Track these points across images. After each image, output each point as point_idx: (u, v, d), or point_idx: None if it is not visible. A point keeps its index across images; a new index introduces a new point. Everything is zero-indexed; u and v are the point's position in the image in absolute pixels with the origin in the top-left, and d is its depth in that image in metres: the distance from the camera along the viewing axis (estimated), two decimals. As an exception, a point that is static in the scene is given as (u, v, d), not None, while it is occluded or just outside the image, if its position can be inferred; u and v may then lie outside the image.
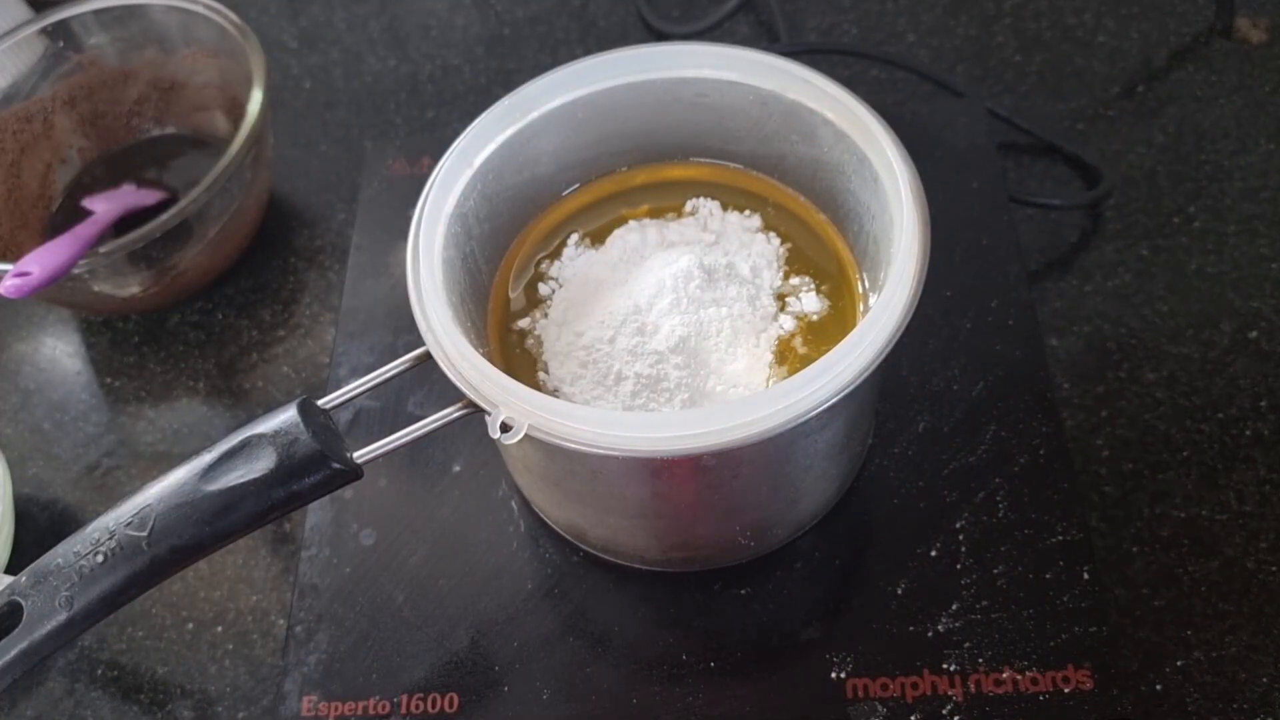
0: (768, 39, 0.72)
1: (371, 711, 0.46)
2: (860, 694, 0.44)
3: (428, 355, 0.38)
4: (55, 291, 0.56)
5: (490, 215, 0.47)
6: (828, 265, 0.48)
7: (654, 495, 0.42)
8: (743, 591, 0.47)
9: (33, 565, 0.35)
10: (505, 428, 0.35)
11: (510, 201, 0.48)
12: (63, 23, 0.66)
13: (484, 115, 0.45)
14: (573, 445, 0.35)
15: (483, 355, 0.37)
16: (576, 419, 0.35)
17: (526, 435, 0.35)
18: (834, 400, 0.35)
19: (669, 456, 0.36)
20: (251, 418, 0.38)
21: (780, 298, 0.46)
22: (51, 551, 0.35)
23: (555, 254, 0.49)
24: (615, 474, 0.41)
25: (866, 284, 0.46)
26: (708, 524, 0.45)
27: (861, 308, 0.46)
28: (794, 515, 0.47)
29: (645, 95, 0.48)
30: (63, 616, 0.34)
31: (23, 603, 0.34)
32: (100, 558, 0.34)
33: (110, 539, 0.34)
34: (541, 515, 0.50)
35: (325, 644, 0.48)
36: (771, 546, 0.48)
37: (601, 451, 0.35)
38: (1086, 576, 0.45)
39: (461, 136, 0.44)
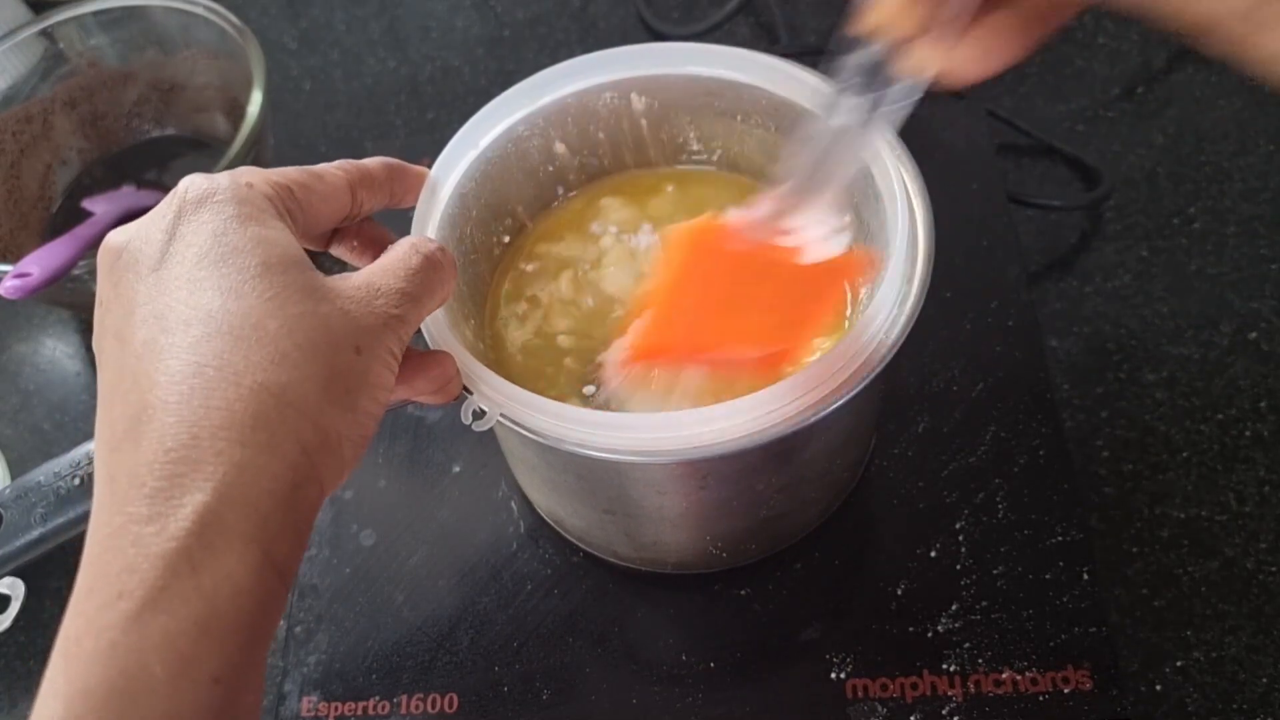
0: (767, 41, 0.72)
1: (371, 711, 0.46)
2: (860, 694, 0.44)
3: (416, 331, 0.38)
4: (55, 292, 0.56)
5: (491, 199, 0.46)
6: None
7: (620, 495, 0.42)
8: (743, 592, 0.47)
9: (17, 480, 0.37)
10: (477, 415, 0.36)
11: (511, 186, 0.48)
12: (63, 24, 0.66)
13: (494, 100, 0.45)
14: (538, 438, 0.36)
15: (472, 336, 0.37)
16: (546, 412, 0.36)
17: (497, 423, 0.36)
18: (809, 421, 0.34)
19: (632, 461, 0.36)
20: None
21: None
22: (35, 470, 0.37)
23: (553, 275, 0.49)
24: (582, 468, 0.41)
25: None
26: (676, 531, 0.45)
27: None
28: (769, 533, 0.46)
29: (654, 92, 0.47)
30: (35, 533, 0.36)
31: (2, 513, 0.36)
32: (78, 481, 0.36)
33: (89, 464, 0.36)
34: (527, 497, 0.50)
35: (325, 644, 0.48)
36: (745, 560, 0.47)
37: (567, 448, 0.35)
38: (1086, 577, 0.45)
39: (470, 120, 0.44)
